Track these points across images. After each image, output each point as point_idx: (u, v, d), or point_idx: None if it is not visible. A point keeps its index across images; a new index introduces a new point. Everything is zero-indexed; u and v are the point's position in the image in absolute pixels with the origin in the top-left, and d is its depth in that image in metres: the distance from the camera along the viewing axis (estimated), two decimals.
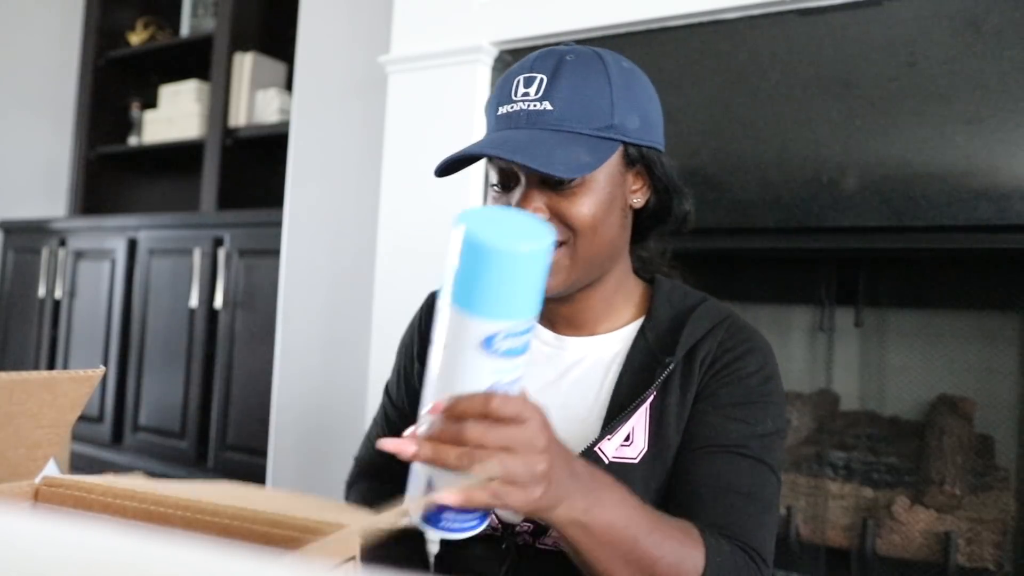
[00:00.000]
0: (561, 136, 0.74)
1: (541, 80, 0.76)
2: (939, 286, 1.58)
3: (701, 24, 1.52)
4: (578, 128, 0.75)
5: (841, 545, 1.52)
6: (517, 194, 0.78)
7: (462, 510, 0.56)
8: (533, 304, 0.54)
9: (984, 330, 1.53)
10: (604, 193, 0.78)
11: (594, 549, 0.63)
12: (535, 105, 0.75)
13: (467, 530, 0.58)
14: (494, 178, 0.81)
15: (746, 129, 1.46)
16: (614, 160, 0.79)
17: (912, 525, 1.44)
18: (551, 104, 0.75)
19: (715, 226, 1.47)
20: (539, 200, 0.77)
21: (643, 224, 0.87)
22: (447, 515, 0.57)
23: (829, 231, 1.40)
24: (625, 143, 0.79)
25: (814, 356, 1.66)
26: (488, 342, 0.53)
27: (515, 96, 0.77)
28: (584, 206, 0.77)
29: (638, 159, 0.81)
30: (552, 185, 0.77)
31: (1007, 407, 1.48)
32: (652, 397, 0.79)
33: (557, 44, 0.82)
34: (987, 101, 1.27)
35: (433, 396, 0.57)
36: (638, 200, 0.83)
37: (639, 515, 0.65)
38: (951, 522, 1.41)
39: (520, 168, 0.77)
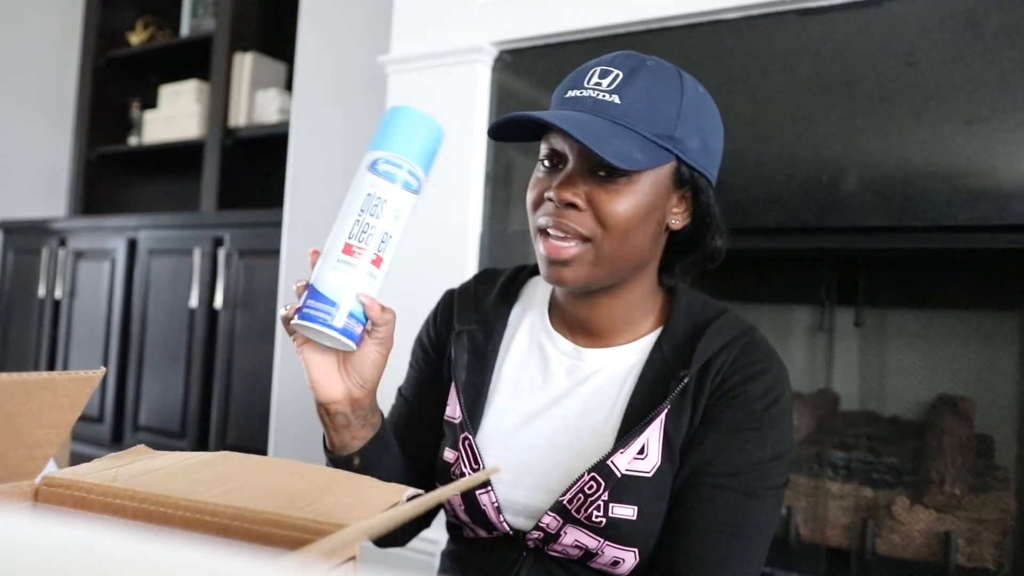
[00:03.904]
0: (620, 129, 0.75)
1: (617, 75, 0.76)
2: (939, 286, 1.58)
3: (701, 24, 1.52)
4: (639, 127, 0.75)
5: (841, 545, 1.52)
6: (561, 175, 0.78)
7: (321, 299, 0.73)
8: (410, 151, 0.74)
9: (984, 330, 1.53)
10: (645, 199, 0.77)
11: None
12: (604, 96, 0.76)
13: (318, 322, 0.72)
14: (543, 154, 0.81)
15: (746, 129, 1.46)
16: (665, 172, 0.78)
17: (912, 525, 1.44)
18: (620, 99, 0.75)
19: None
20: (581, 186, 0.77)
21: (673, 249, 0.86)
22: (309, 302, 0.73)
23: (829, 231, 1.41)
24: (680, 160, 0.78)
25: (814, 356, 1.66)
26: (374, 164, 0.74)
27: (587, 84, 0.77)
28: (621, 205, 0.76)
29: (688, 181, 0.80)
30: (597, 176, 0.77)
31: (1007, 407, 1.48)
32: (667, 411, 0.79)
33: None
34: (987, 101, 1.27)
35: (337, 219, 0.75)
36: (676, 222, 0.83)
37: None
38: (951, 522, 1.41)
39: (572, 147, 0.77)
